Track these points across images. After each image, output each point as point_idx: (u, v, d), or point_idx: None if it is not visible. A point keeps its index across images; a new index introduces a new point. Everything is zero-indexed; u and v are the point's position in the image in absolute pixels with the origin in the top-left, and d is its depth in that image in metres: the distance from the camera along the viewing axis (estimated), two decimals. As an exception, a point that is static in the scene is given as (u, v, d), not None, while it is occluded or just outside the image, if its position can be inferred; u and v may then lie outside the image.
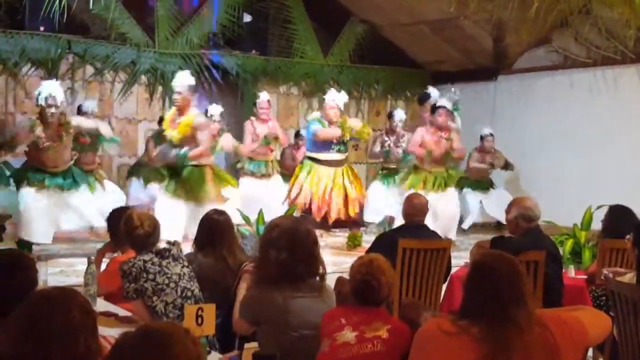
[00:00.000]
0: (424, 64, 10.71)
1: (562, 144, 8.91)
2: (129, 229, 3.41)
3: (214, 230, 3.86)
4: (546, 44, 9.26)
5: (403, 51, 10.49)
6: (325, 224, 7.36)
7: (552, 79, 9.22)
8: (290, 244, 2.89)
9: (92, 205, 6.46)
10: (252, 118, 8.07)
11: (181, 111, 6.42)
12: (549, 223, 5.68)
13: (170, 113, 6.77)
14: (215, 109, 7.85)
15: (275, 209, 6.63)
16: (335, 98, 7.22)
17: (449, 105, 7.37)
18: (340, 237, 7.62)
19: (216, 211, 4.18)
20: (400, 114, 8.40)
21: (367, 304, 2.74)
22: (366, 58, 10.38)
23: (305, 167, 7.50)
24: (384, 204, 8.00)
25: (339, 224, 7.61)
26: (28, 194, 6.23)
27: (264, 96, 8.02)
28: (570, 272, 4.70)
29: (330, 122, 7.19)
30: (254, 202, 6.98)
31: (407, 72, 10.71)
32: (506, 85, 9.79)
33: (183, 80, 6.47)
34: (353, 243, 7.12)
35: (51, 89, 6.21)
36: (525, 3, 8.12)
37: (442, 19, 9.34)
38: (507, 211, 4.29)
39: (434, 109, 7.38)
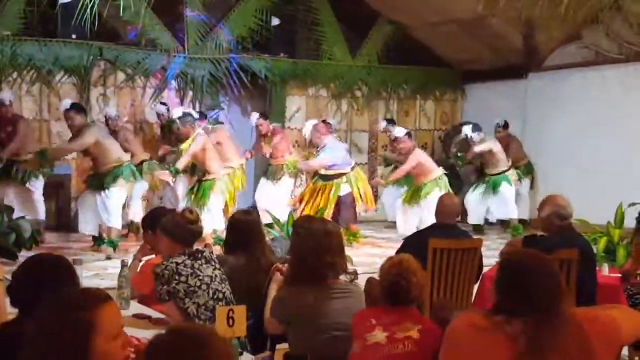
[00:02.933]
0: (453, 63, 10.63)
1: (595, 141, 8.77)
2: (184, 221, 3.36)
3: (244, 231, 3.85)
4: (577, 41, 9.13)
5: (432, 51, 10.42)
6: None
7: (584, 76, 9.09)
8: (323, 246, 2.91)
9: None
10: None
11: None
12: (582, 221, 5.61)
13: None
14: (177, 112, 7.50)
15: (278, 211, 7.20)
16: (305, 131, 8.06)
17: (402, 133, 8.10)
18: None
19: (243, 212, 4.21)
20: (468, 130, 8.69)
21: (398, 305, 2.74)
22: (395, 58, 10.34)
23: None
24: None
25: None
26: None
27: (252, 117, 8.43)
28: (605, 270, 4.63)
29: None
30: (262, 202, 8.07)
31: (436, 72, 10.63)
32: (537, 82, 9.67)
33: None
34: (354, 238, 7.52)
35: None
36: (555, 0, 8.02)
37: (471, 18, 9.27)
38: (540, 209, 4.24)
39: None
